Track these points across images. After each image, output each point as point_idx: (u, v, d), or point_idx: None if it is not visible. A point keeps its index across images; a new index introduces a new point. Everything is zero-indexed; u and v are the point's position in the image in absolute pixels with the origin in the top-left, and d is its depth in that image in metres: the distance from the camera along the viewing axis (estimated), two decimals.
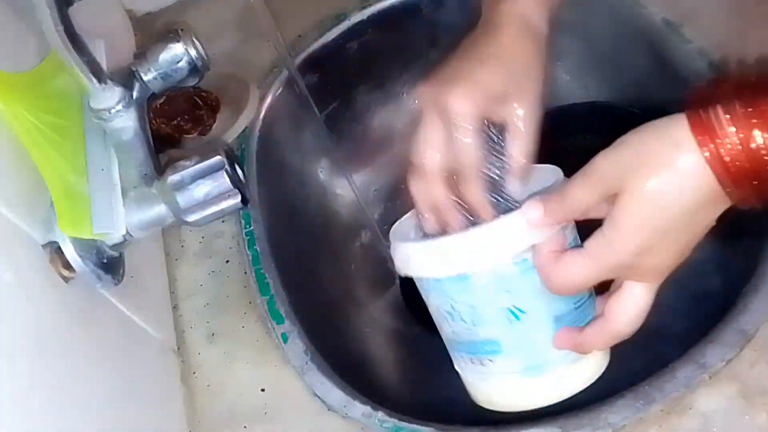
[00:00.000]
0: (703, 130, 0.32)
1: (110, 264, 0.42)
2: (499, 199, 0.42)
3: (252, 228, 0.60)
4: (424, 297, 0.42)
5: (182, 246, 0.62)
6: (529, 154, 0.42)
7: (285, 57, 0.68)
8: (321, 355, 0.53)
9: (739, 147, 0.32)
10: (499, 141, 0.42)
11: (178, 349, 0.56)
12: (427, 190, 0.43)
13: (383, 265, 0.72)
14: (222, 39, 0.76)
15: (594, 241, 0.36)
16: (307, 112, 0.75)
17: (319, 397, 0.51)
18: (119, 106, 0.40)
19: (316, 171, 0.76)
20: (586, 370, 0.41)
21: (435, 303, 0.41)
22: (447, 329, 0.41)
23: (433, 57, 0.79)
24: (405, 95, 0.80)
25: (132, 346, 0.48)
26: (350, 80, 0.77)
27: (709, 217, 0.35)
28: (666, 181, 0.33)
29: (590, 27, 0.72)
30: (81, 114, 0.45)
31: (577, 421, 0.46)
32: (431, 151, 0.42)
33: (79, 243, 0.40)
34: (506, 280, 0.38)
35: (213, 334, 0.56)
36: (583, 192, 0.36)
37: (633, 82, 0.70)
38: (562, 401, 0.53)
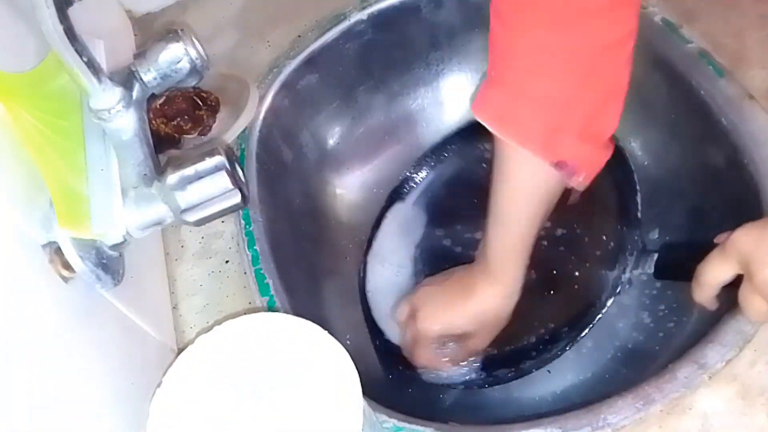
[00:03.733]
0: None
1: (110, 264, 0.42)
2: None
3: (252, 228, 0.61)
4: None
5: (182, 246, 0.62)
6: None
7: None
8: None
9: None
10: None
11: (178, 349, 0.56)
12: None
13: None
14: (222, 39, 0.76)
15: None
16: (307, 111, 0.75)
17: None
18: (119, 107, 0.40)
19: (316, 171, 0.76)
20: None
21: None
22: None
23: (432, 57, 0.79)
24: (405, 95, 0.80)
25: (131, 347, 0.48)
26: (350, 80, 0.77)
27: None
28: None
29: None
30: (81, 114, 0.45)
31: (576, 421, 0.46)
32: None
33: (78, 243, 0.40)
34: None
35: None
36: (721, 267, 0.44)
37: (631, 83, 0.70)
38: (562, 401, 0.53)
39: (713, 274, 0.45)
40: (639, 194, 0.57)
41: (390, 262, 0.72)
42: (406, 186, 0.75)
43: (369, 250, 0.72)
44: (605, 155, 0.51)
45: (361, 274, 0.71)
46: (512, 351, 0.62)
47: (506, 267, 0.55)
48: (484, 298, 0.57)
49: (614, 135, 0.58)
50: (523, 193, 0.52)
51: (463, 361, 0.62)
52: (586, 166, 0.50)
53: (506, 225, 0.54)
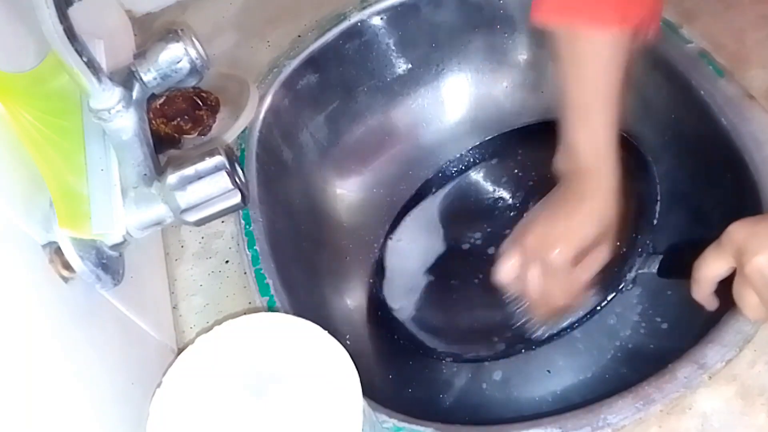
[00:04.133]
0: None
1: (110, 264, 0.42)
2: None
3: (251, 228, 0.61)
4: None
5: (182, 246, 0.62)
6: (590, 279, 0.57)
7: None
8: None
9: None
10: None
11: (178, 349, 0.56)
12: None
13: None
14: (221, 39, 0.76)
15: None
16: (307, 111, 0.75)
17: None
18: (119, 107, 0.40)
19: (316, 171, 0.76)
20: None
21: None
22: None
23: (433, 57, 0.79)
24: (405, 95, 0.80)
25: (131, 347, 0.48)
26: (350, 80, 0.77)
27: None
28: None
29: None
30: (81, 114, 0.45)
31: (576, 422, 0.46)
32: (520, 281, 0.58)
33: (78, 243, 0.40)
34: None
35: None
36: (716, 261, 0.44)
37: (631, 83, 0.70)
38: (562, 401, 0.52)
39: (708, 269, 0.45)
40: (659, 203, 0.58)
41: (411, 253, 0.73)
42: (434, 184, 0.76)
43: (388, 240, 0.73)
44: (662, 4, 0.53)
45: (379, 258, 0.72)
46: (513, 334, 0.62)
47: (603, 157, 0.54)
48: (597, 197, 0.54)
49: (635, 146, 0.60)
50: (604, 76, 0.52)
51: (595, 274, 0.57)
52: (655, 18, 0.53)
53: (593, 115, 0.53)
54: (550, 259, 0.54)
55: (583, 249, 0.55)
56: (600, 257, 0.56)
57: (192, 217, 0.42)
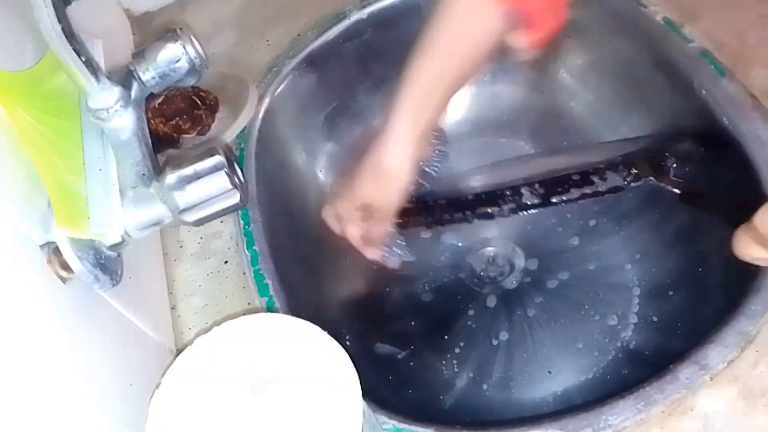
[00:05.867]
0: None
1: (108, 265, 0.42)
2: None
3: (251, 228, 0.60)
4: None
5: (181, 246, 0.62)
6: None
7: None
8: None
9: None
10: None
11: (177, 350, 0.55)
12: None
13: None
14: (220, 38, 0.76)
15: None
16: (307, 111, 0.75)
17: None
18: (117, 106, 0.39)
19: (316, 171, 0.76)
20: None
21: None
22: None
23: None
24: None
25: (130, 347, 0.48)
26: (350, 80, 0.77)
27: None
28: None
29: (590, 27, 0.72)
30: (79, 114, 0.45)
31: (577, 423, 0.46)
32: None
33: (77, 243, 0.40)
34: None
35: None
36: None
37: (633, 82, 0.70)
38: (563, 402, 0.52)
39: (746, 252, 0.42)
40: None
41: None
42: None
43: None
44: (560, 18, 0.49)
45: None
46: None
47: (406, 109, 0.53)
48: (376, 148, 0.55)
49: None
50: (458, 34, 0.50)
51: (382, 234, 0.62)
52: (539, 21, 0.48)
53: (424, 60, 0.52)
54: (338, 207, 0.60)
55: (362, 200, 0.58)
56: (379, 215, 0.59)
57: (191, 217, 0.42)
